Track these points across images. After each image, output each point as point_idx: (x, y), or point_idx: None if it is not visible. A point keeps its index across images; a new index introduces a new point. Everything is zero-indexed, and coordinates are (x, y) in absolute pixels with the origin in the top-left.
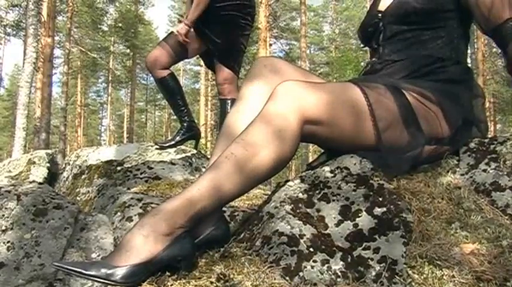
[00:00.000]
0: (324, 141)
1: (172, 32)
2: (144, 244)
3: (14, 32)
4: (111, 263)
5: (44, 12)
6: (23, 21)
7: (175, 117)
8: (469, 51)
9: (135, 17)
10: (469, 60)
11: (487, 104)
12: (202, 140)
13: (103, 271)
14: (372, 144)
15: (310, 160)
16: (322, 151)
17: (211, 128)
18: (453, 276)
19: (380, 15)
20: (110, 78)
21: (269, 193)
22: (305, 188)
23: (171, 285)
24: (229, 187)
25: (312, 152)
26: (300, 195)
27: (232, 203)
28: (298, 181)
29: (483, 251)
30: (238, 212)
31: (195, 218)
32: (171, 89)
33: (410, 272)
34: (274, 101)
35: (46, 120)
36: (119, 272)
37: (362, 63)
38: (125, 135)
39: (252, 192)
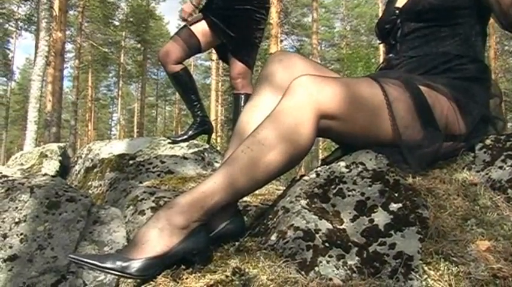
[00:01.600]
0: (339, 136)
1: (185, 26)
2: (159, 237)
3: (26, 26)
4: (126, 256)
5: (56, 6)
6: (35, 15)
7: (185, 112)
8: None
9: (146, 11)
10: None
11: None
12: (213, 135)
13: (118, 263)
14: (388, 140)
15: (321, 156)
16: (336, 146)
17: (222, 123)
18: (469, 273)
19: (397, 12)
20: (121, 72)
21: (281, 188)
22: (320, 183)
23: (186, 278)
24: (244, 181)
25: (322, 149)
26: (316, 190)
27: (244, 198)
28: (313, 175)
29: (499, 248)
30: (251, 207)
31: (210, 212)
32: (184, 84)
33: (426, 268)
34: (290, 96)
35: (57, 114)
36: (134, 265)
37: (373, 60)
38: (135, 130)
39: (264, 187)
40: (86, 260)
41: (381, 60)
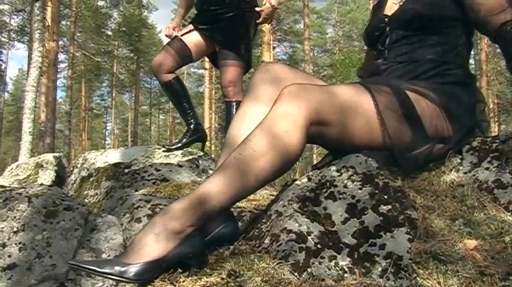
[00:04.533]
0: (329, 142)
1: (176, 36)
2: (155, 242)
3: (18, 37)
4: (124, 261)
5: (48, 16)
6: (27, 26)
7: (179, 120)
8: (472, 52)
9: (138, 21)
10: (472, 61)
11: (491, 105)
12: (207, 143)
13: (116, 268)
14: (378, 144)
15: (315, 162)
16: (327, 152)
17: (216, 131)
18: (457, 271)
19: (386, 19)
20: (114, 82)
21: (275, 193)
22: (312, 187)
23: (183, 281)
24: (238, 187)
25: (317, 154)
26: (307, 194)
27: (239, 204)
28: (305, 180)
29: (486, 247)
30: (245, 212)
31: (205, 217)
32: (176, 93)
33: (415, 267)
34: (279, 104)
35: (51, 125)
36: (132, 270)
37: None
38: (130, 139)
39: (258, 193)
40: (84, 265)
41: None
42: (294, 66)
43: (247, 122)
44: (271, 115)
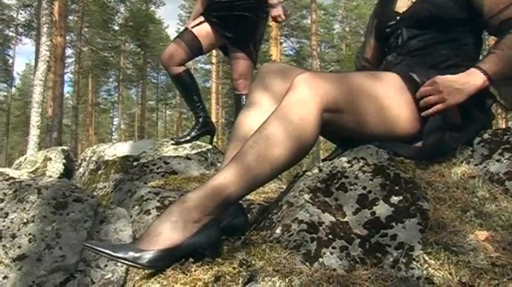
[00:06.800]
0: (342, 131)
1: (186, 29)
2: (171, 230)
3: (26, 32)
4: (138, 247)
5: (56, 11)
6: (35, 20)
7: (186, 115)
8: (483, 47)
9: (145, 16)
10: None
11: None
12: (214, 138)
13: (130, 254)
14: (391, 133)
15: (322, 157)
16: (335, 147)
17: (223, 126)
18: (469, 262)
19: (398, 17)
20: (121, 77)
21: (284, 186)
22: (323, 177)
23: (195, 271)
24: (254, 175)
25: (323, 149)
26: (319, 184)
27: (248, 197)
28: (316, 171)
29: (497, 238)
30: (254, 204)
31: (222, 206)
32: (186, 85)
33: (426, 257)
34: (293, 92)
35: (58, 119)
36: (146, 256)
37: None
38: (136, 134)
39: (267, 186)
40: (99, 248)
41: None
42: (296, 65)
43: (256, 112)
44: (285, 103)
